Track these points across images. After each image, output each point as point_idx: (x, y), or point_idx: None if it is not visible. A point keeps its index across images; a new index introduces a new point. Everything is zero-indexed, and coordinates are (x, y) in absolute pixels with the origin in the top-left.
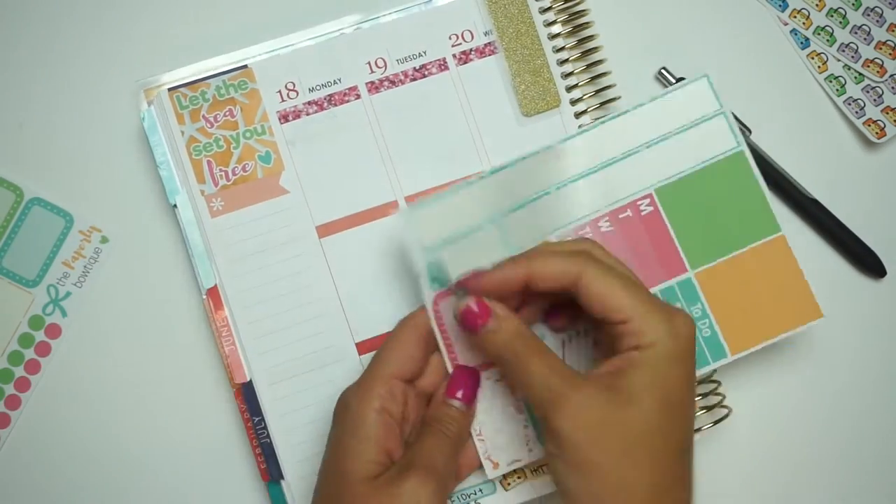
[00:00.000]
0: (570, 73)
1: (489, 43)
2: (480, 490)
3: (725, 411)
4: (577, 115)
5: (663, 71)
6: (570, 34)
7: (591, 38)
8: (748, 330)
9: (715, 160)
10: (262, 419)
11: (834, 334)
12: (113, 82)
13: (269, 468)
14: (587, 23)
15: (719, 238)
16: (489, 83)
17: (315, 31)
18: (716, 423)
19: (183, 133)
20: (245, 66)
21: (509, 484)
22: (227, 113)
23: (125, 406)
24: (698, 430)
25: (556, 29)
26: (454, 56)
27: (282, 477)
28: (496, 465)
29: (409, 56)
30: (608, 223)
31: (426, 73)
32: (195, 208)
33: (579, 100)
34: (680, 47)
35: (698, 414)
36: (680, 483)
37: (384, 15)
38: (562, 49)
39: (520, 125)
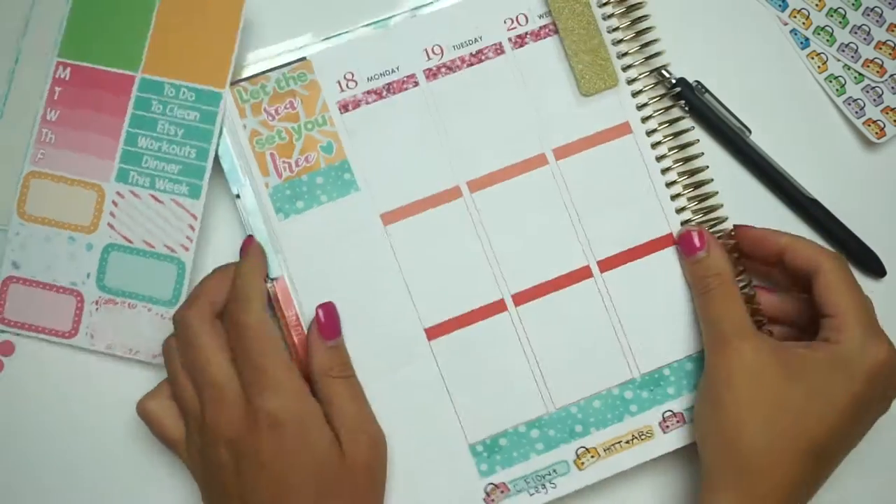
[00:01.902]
0: (626, 54)
1: (544, 26)
2: (555, 471)
3: None
4: (634, 94)
5: (663, 71)
6: (623, 14)
7: (644, 17)
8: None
9: None
10: None
11: None
12: None
13: None
14: (640, 2)
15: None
16: (546, 66)
17: (370, 19)
18: None
19: (245, 126)
20: (304, 59)
21: (583, 464)
22: (288, 105)
23: None
24: None
25: (610, 9)
26: (510, 40)
27: None
28: None
29: (466, 42)
30: None
31: (483, 58)
32: (259, 200)
33: (635, 79)
34: (680, 47)
35: None
36: (793, 477)
37: (438, 0)
38: (616, 29)
39: (579, 105)
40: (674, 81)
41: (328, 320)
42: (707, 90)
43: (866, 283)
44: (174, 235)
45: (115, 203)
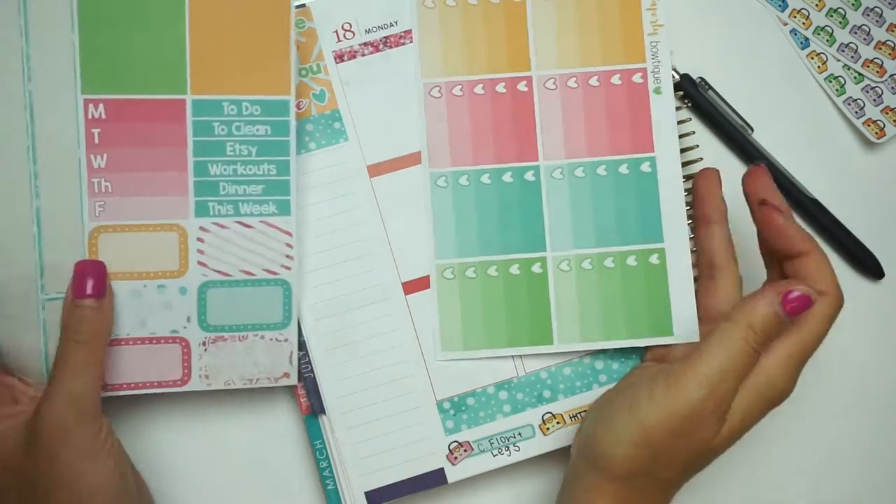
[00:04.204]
0: None
1: None
2: (520, 434)
3: None
4: None
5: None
6: None
7: None
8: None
9: None
10: (307, 353)
11: (831, 336)
12: None
13: (312, 402)
14: None
15: None
16: None
17: None
18: None
19: None
20: (303, 5)
21: (548, 429)
22: None
23: None
24: None
25: None
26: None
27: (323, 411)
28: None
29: None
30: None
31: None
32: None
33: None
34: (680, 47)
35: None
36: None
37: None
38: None
39: None
40: (678, 78)
41: (77, 279)
42: (710, 87)
43: (864, 285)
44: (272, 258)
45: (200, 240)
